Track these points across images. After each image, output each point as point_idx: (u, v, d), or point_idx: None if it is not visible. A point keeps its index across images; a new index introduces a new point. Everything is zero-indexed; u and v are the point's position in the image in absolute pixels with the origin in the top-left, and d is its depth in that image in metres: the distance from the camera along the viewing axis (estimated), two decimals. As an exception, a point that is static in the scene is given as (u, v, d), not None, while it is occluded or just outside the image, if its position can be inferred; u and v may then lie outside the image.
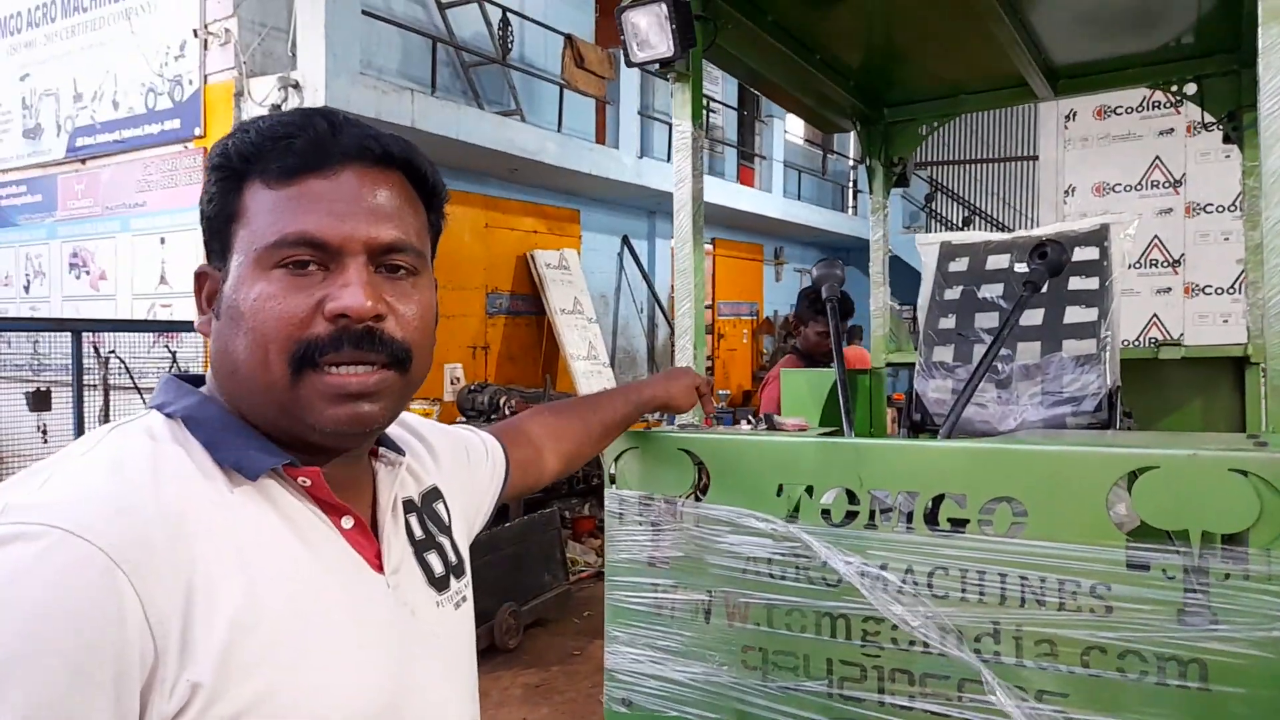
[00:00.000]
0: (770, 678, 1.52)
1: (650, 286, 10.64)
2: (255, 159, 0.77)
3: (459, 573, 0.95)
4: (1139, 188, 6.33)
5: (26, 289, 8.20)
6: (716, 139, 11.90)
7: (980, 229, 13.46)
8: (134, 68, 7.10)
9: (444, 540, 0.95)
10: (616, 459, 1.67)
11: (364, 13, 6.62)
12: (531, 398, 6.66)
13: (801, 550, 1.48)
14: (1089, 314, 2.17)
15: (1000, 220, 14.43)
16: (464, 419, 6.55)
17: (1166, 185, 6.26)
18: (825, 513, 1.50)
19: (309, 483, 0.78)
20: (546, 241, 9.19)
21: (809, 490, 1.51)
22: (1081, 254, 2.22)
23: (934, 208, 14.56)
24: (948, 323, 2.38)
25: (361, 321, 0.75)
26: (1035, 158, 9.56)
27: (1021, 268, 2.22)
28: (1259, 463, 1.21)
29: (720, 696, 1.55)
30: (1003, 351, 2.17)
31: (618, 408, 1.47)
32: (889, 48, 2.71)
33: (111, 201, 7.38)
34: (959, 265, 2.43)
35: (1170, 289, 6.21)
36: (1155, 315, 6.20)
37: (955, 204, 14.80)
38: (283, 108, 5.97)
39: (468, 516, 1.07)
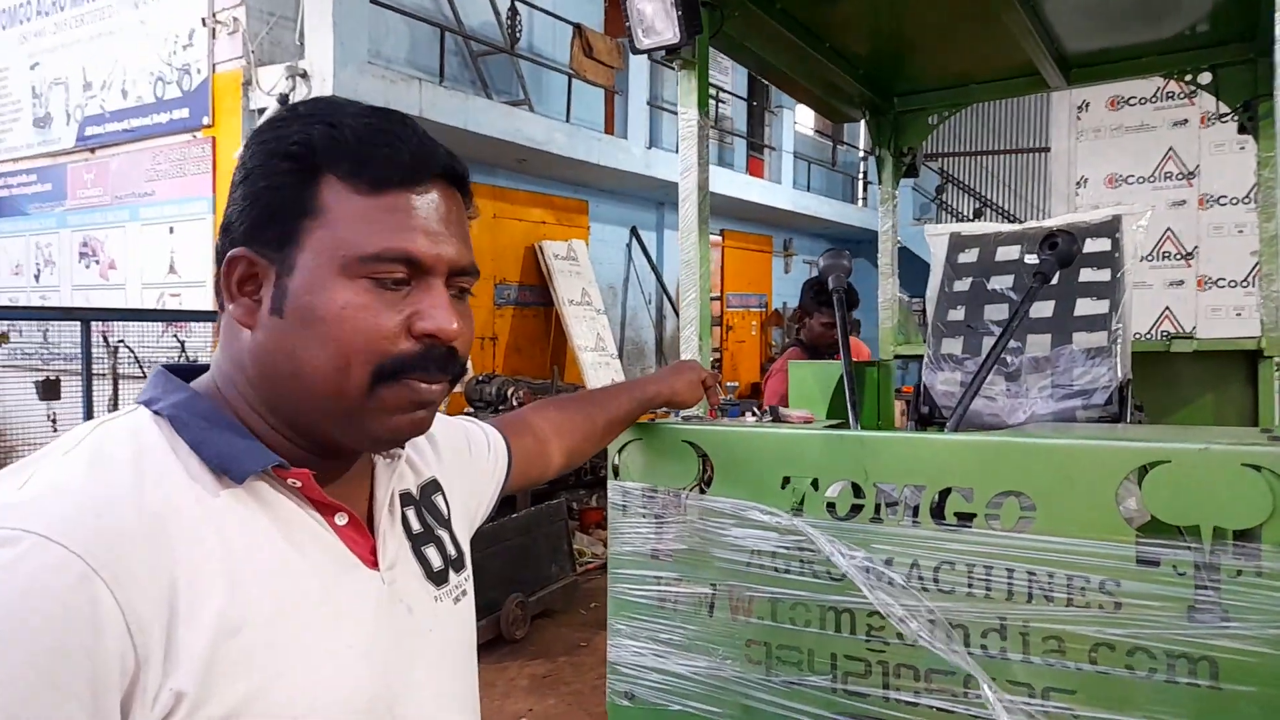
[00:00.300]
0: (774, 672, 1.51)
1: (659, 278, 10.62)
2: (346, 158, 0.74)
3: (458, 566, 0.94)
4: (1152, 179, 6.27)
5: (37, 278, 8.23)
6: (726, 130, 11.86)
7: (991, 221, 13.38)
8: (143, 57, 7.10)
9: (443, 534, 0.94)
10: (620, 451, 1.66)
11: (372, 1, 6.60)
12: (539, 389, 6.65)
13: (806, 544, 1.46)
14: (1100, 306, 2.14)
15: (1011, 212, 14.35)
16: (471, 410, 6.55)
17: (1180, 177, 6.20)
18: (831, 506, 1.48)
19: (299, 484, 0.76)
20: (555, 232, 9.18)
21: (814, 483, 1.50)
22: (1093, 245, 2.20)
23: (944, 200, 14.48)
24: (957, 315, 2.35)
25: (449, 343, 0.77)
26: (1047, 149, 9.50)
27: (1032, 259, 2.19)
28: (1273, 457, 1.19)
29: (724, 691, 1.54)
30: (1012, 344, 2.14)
31: (622, 404, 1.46)
32: (899, 36, 2.68)
33: (121, 191, 7.40)
34: (968, 256, 2.41)
35: (1183, 282, 6.16)
36: (1168, 308, 6.16)
37: (966, 196, 14.72)
38: (291, 97, 5.97)
39: (468, 509, 1.06)
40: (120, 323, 5.68)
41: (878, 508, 1.44)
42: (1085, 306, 2.16)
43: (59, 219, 8.00)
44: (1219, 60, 2.61)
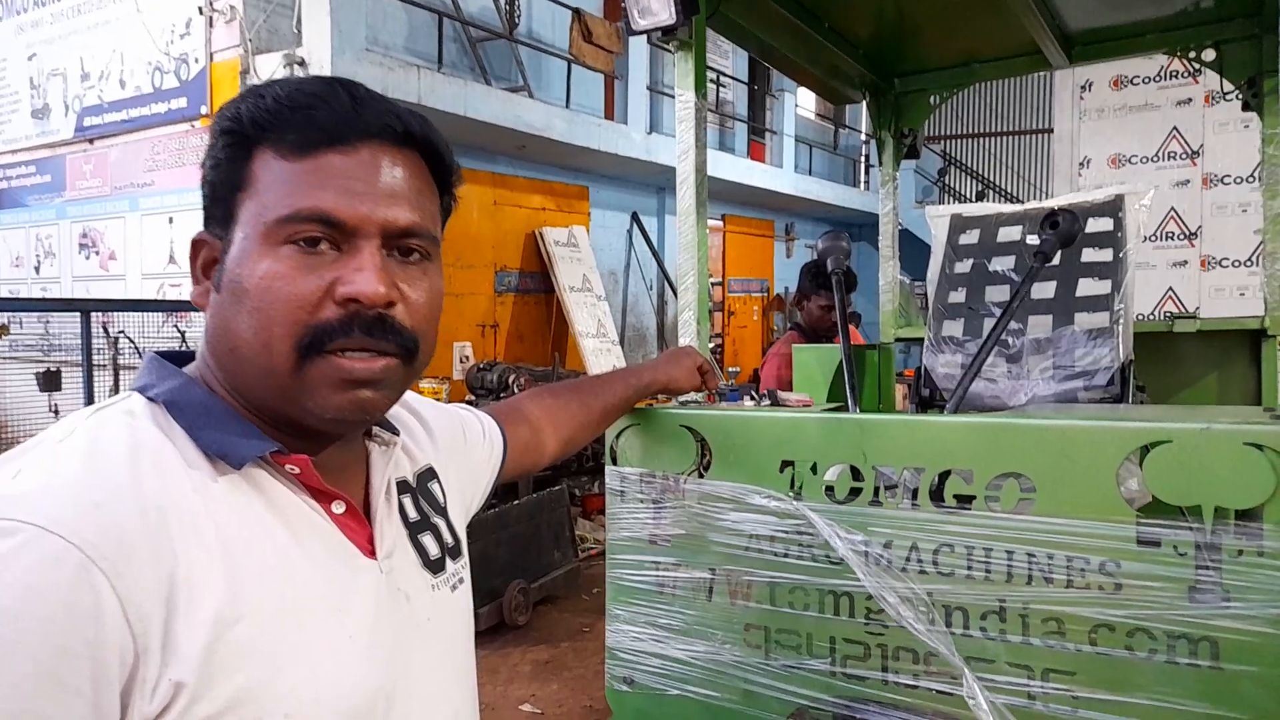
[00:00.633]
0: (773, 656, 1.50)
1: (660, 263, 10.60)
2: (270, 127, 0.73)
3: (455, 554, 0.93)
4: (1155, 159, 6.22)
5: (37, 269, 8.23)
6: (727, 114, 11.79)
7: (994, 203, 13.31)
8: (140, 46, 7.07)
9: (439, 521, 0.93)
10: (618, 436, 1.65)
11: (369, -12, 6.57)
12: (540, 376, 6.64)
13: (805, 527, 1.45)
14: (1102, 286, 2.12)
15: (1014, 194, 14.29)
16: (473, 398, 6.55)
17: (1184, 156, 6.15)
18: (829, 489, 1.47)
19: (297, 470, 0.75)
20: (555, 219, 9.15)
21: (813, 467, 1.49)
22: (1095, 225, 2.18)
23: (947, 182, 14.42)
24: (958, 296, 2.34)
25: (374, 308, 0.72)
26: (1050, 130, 9.43)
27: (1033, 240, 2.17)
28: (1275, 436, 1.18)
29: (722, 675, 1.54)
30: (1013, 325, 2.13)
31: (618, 391, 1.46)
32: (899, 15, 2.65)
33: (120, 181, 7.39)
34: (969, 238, 2.39)
35: (1186, 262, 6.12)
36: (1171, 289, 6.12)
37: (969, 178, 14.65)
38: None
39: (465, 497, 1.05)
40: (121, 313, 5.67)
41: (877, 490, 1.43)
42: (1087, 287, 2.14)
43: (58, 210, 7.99)
44: (1223, 36, 2.58)
